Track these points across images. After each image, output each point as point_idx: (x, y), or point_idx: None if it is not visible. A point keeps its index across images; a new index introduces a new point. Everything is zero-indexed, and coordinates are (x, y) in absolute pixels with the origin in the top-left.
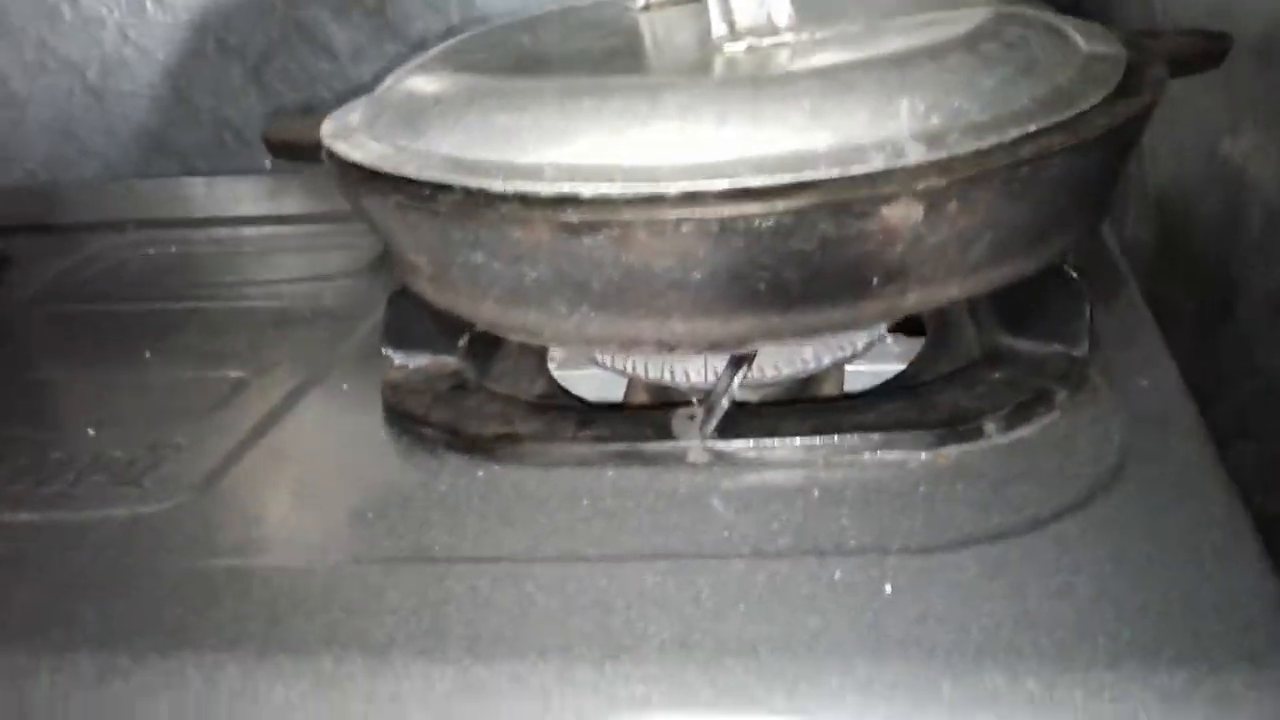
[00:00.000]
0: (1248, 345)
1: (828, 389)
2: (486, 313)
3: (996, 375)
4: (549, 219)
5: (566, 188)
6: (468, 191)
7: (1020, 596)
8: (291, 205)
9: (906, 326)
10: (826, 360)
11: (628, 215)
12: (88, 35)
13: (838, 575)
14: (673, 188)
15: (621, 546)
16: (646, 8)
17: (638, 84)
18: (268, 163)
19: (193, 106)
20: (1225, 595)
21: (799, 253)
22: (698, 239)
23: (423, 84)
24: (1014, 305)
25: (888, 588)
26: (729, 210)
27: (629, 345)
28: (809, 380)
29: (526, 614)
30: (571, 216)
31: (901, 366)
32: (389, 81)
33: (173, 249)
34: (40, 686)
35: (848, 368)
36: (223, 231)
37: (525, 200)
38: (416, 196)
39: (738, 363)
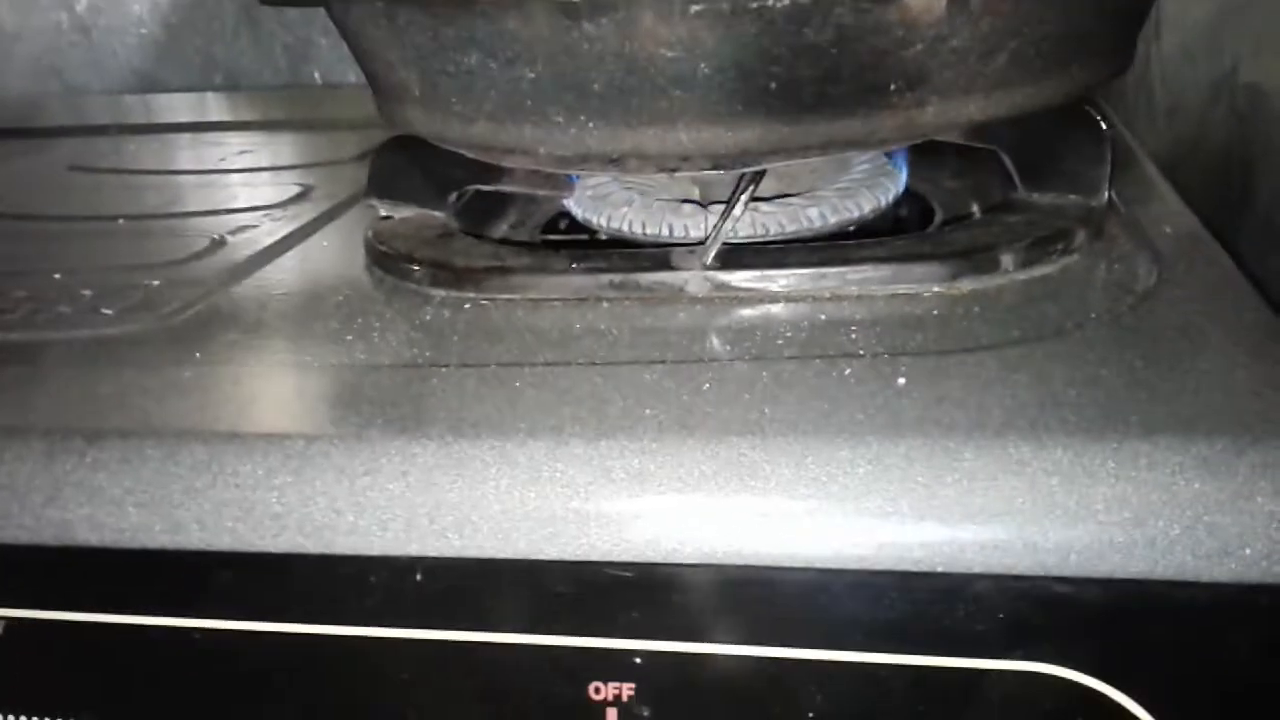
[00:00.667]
0: (1273, 225)
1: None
2: (480, 133)
3: (1013, 219)
4: (549, 2)
5: None
6: None
7: (1045, 385)
8: (287, 111)
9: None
10: (832, 220)
11: None
12: None
13: (847, 372)
14: None
15: (617, 356)
16: None
17: None
18: None
19: (181, 45)
20: (1261, 378)
21: (813, 44)
22: (708, 23)
23: None
24: (1027, 161)
25: (901, 380)
26: None
27: (630, 160)
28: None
29: (515, 404)
30: None
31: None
32: None
33: (155, 146)
34: None
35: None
36: (210, 135)
37: None
38: None
39: (743, 183)
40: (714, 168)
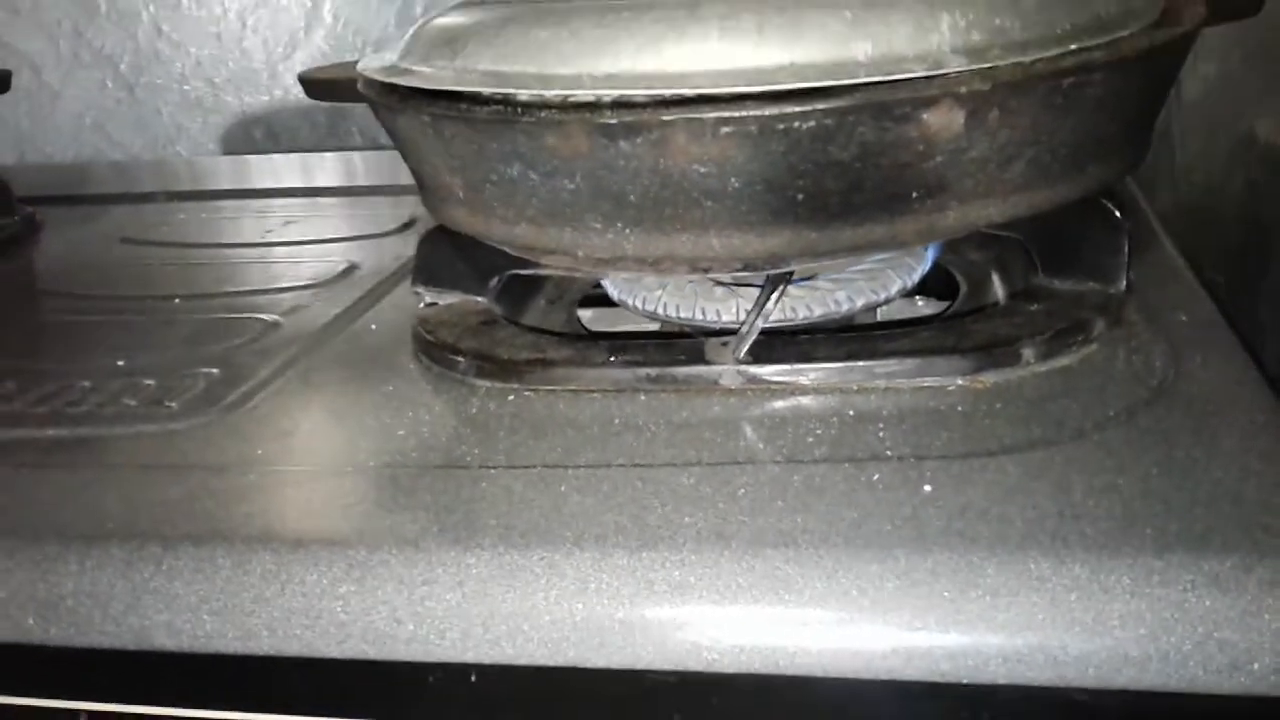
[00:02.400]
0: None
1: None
2: (521, 235)
3: (1034, 308)
4: (586, 122)
5: (605, 92)
6: (505, 99)
7: (1065, 494)
8: (322, 179)
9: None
10: (859, 303)
11: (666, 116)
12: (122, 29)
13: (875, 478)
14: (712, 89)
15: (655, 456)
16: None
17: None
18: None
19: (222, 101)
20: (1271, 486)
21: (837, 160)
22: (737, 143)
23: (458, 16)
24: (1048, 249)
25: (927, 488)
26: (769, 111)
27: (664, 264)
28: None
29: (561, 510)
30: (610, 118)
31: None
32: (421, 22)
33: (203, 215)
34: (68, 571)
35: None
36: (254, 203)
37: (563, 105)
38: (453, 108)
39: (773, 282)
40: (744, 269)
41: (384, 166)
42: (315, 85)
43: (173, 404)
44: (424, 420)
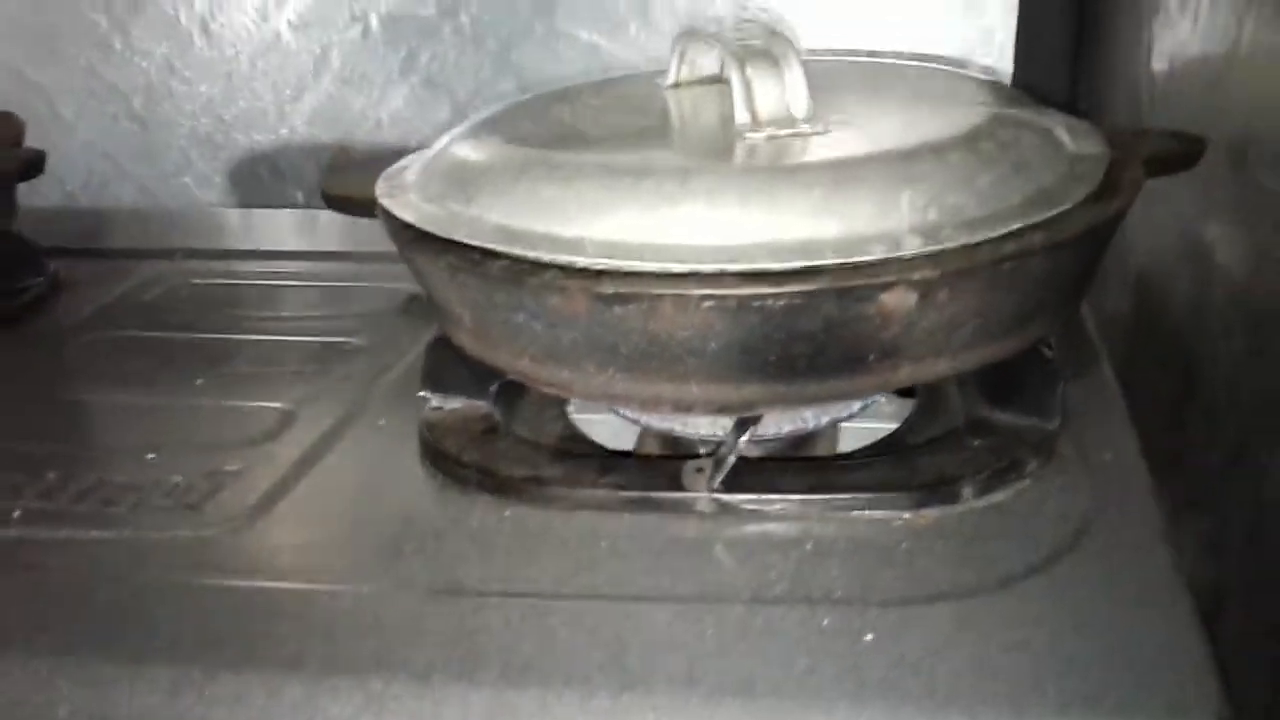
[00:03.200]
0: (1208, 421)
1: (824, 444)
2: (522, 367)
3: (977, 443)
4: (587, 289)
5: (604, 262)
6: (514, 260)
7: (984, 648)
8: (327, 241)
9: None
10: (825, 420)
11: (657, 290)
12: (135, 65)
13: (825, 623)
14: (698, 267)
15: (636, 586)
16: (676, 85)
17: (669, 166)
18: (300, 195)
19: (231, 138)
20: (1162, 654)
21: (805, 331)
22: (717, 314)
23: (472, 152)
24: (996, 379)
25: (869, 636)
26: (746, 291)
27: (649, 404)
28: (808, 434)
29: (552, 646)
30: (607, 288)
31: (893, 426)
32: (439, 145)
33: (218, 280)
34: (120, 694)
35: (843, 425)
36: (263, 265)
37: (566, 271)
38: (467, 260)
39: (744, 423)
40: (720, 413)
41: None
42: (335, 200)
43: (204, 507)
44: (430, 534)
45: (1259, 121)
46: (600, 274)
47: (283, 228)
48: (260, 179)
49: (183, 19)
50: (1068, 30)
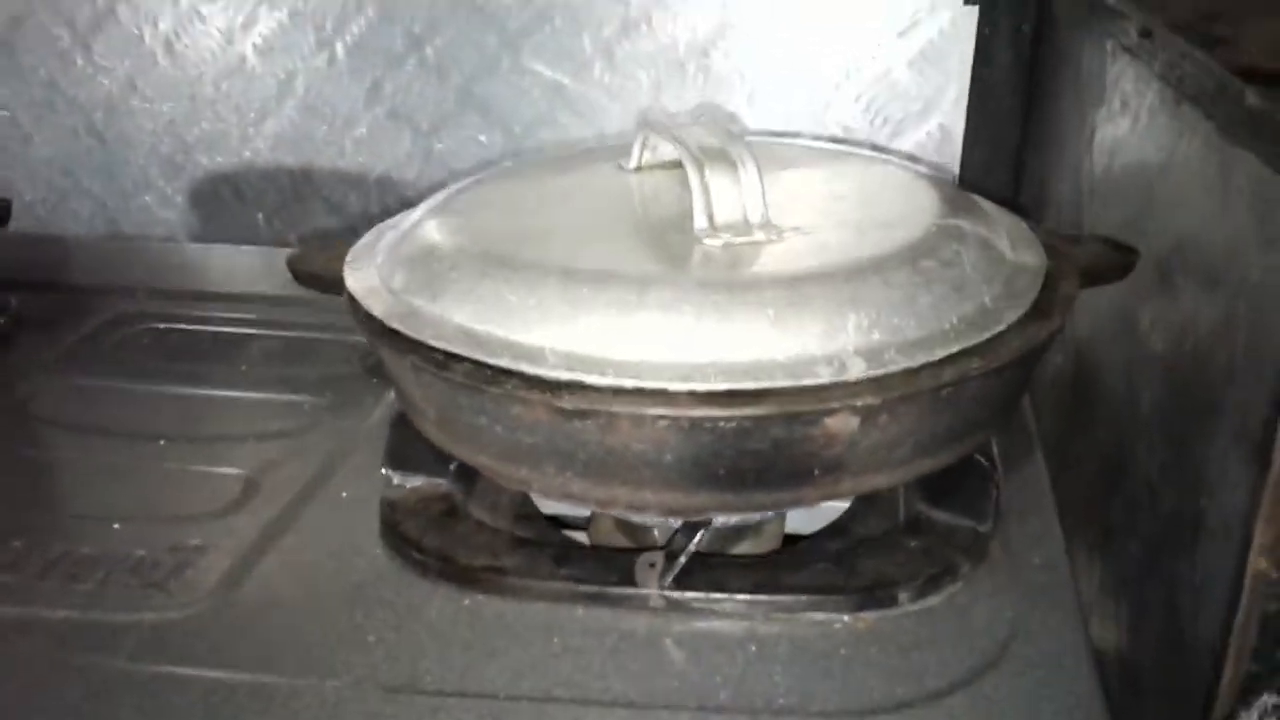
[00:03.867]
0: (1128, 515)
1: (772, 528)
2: (482, 462)
3: (913, 544)
4: (547, 403)
5: (564, 375)
6: (476, 364)
7: None
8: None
9: None
10: (772, 514)
11: (614, 407)
12: (97, 82)
13: None
14: (652, 386)
15: (589, 689)
16: (638, 169)
17: (629, 274)
18: (260, 217)
19: (192, 159)
20: None
21: (754, 449)
22: (671, 431)
23: (438, 243)
24: (931, 483)
25: None
26: (699, 412)
27: (605, 504)
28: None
29: None
30: (566, 403)
31: (838, 511)
32: (405, 224)
33: (180, 325)
34: None
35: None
36: (227, 309)
37: (527, 381)
38: (431, 361)
39: (695, 525)
40: (672, 515)
41: None
42: (303, 276)
43: (169, 586)
44: (390, 624)
45: (1184, 240)
46: (560, 387)
47: (246, 267)
48: (222, 200)
49: (147, 38)
50: (1015, 119)
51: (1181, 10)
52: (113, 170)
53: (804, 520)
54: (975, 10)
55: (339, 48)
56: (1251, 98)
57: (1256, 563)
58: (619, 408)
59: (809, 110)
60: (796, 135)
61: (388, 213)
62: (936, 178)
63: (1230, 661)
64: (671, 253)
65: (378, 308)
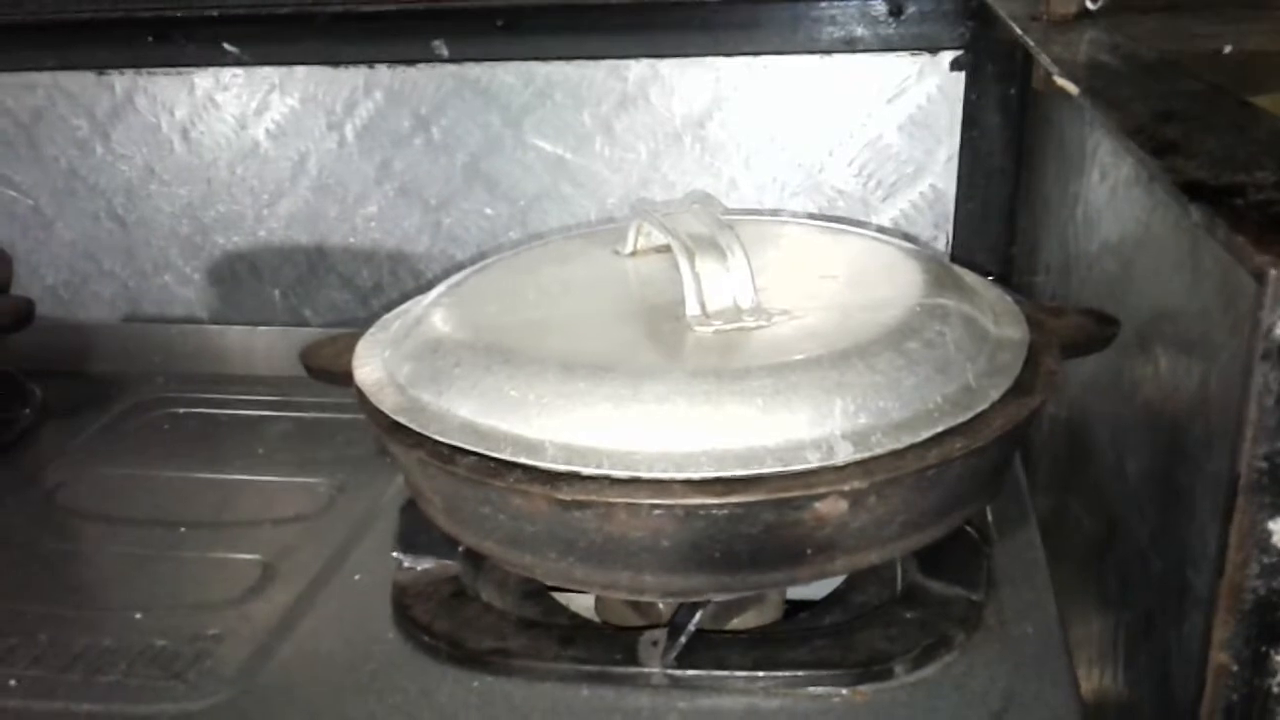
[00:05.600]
0: (1125, 578)
1: (773, 598)
2: (488, 548)
3: (909, 615)
4: (547, 495)
5: (563, 467)
6: (480, 457)
7: None
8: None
9: None
10: (772, 589)
11: (611, 497)
12: (116, 169)
13: None
14: (647, 476)
15: None
16: (633, 254)
17: (623, 368)
18: (276, 294)
19: (210, 239)
20: None
21: (747, 534)
22: (667, 519)
23: (443, 336)
24: (929, 550)
25: None
26: (692, 501)
27: (607, 588)
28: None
29: None
30: (566, 494)
31: (839, 579)
32: (412, 315)
33: (197, 409)
34: None
35: None
36: (243, 392)
37: (529, 473)
38: (436, 455)
39: (695, 605)
40: (671, 597)
41: None
42: (315, 371)
43: (188, 676)
44: (403, 709)
45: (1161, 312)
46: (559, 479)
47: (263, 348)
48: (239, 278)
49: (164, 126)
50: (1007, 179)
51: (1139, 108)
52: (133, 252)
53: (807, 587)
54: (962, 76)
55: (349, 130)
56: (1195, 214)
57: (1217, 657)
58: (616, 498)
59: (804, 176)
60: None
61: (399, 285)
62: (921, 252)
63: None
64: (664, 341)
65: (386, 402)
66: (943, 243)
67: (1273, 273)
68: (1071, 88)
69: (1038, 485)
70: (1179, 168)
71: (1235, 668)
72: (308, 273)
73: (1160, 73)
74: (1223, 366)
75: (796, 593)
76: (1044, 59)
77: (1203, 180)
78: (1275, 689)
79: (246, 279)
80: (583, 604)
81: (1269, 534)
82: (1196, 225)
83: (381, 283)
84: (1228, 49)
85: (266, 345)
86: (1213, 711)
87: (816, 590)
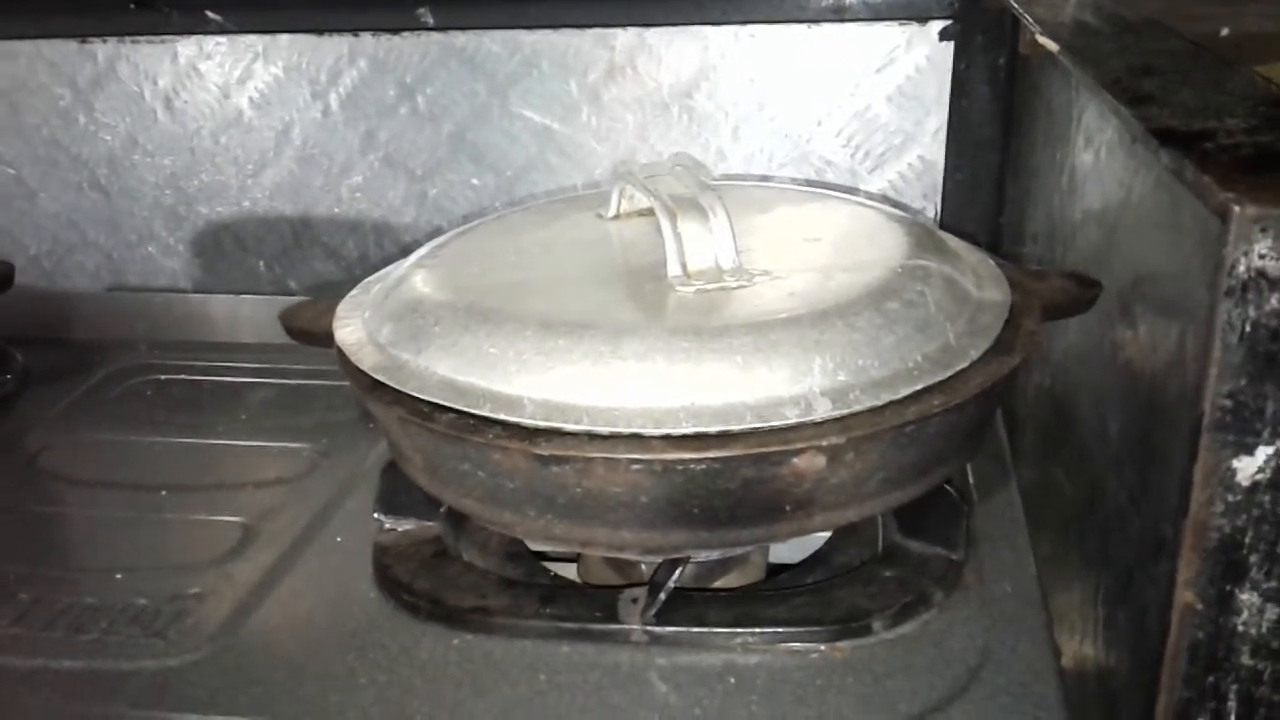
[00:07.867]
0: (1101, 547)
1: (755, 559)
2: (468, 506)
3: (889, 574)
4: (525, 450)
5: (542, 423)
6: (459, 414)
7: None
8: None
9: None
10: (751, 546)
11: (589, 453)
12: (99, 139)
13: None
14: (626, 431)
15: None
16: (616, 217)
17: (602, 326)
18: (260, 265)
19: (194, 209)
20: None
21: (725, 489)
22: (645, 475)
23: (422, 296)
24: (909, 509)
25: None
26: (670, 455)
27: (586, 545)
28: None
29: None
30: (544, 450)
31: (821, 540)
32: (392, 278)
33: (180, 375)
34: None
35: None
36: (225, 359)
37: (507, 429)
38: (416, 412)
39: (675, 562)
40: (650, 554)
41: None
42: (295, 332)
43: (169, 634)
44: (383, 665)
45: (1142, 274)
46: (537, 434)
47: (246, 317)
48: (223, 249)
49: (146, 95)
50: (995, 148)
51: (1118, 63)
52: (116, 223)
53: (789, 549)
54: (951, 45)
55: (333, 99)
56: (1165, 158)
57: (1183, 596)
58: (594, 453)
59: (791, 146)
60: (772, 178)
61: (385, 256)
62: (906, 217)
63: (1164, 690)
64: (645, 301)
65: (366, 361)
66: (931, 214)
67: (1236, 209)
68: (1052, 45)
69: (1023, 455)
70: (1153, 116)
71: (1200, 606)
72: (292, 243)
73: (1142, 31)
74: (1199, 321)
75: (780, 556)
76: (1026, 19)
77: (1174, 127)
78: (1240, 628)
79: (231, 249)
80: (566, 570)
81: (1233, 471)
82: (1166, 168)
83: (367, 253)
84: (1225, 31)
85: (250, 314)
86: (1178, 651)
87: (800, 553)
